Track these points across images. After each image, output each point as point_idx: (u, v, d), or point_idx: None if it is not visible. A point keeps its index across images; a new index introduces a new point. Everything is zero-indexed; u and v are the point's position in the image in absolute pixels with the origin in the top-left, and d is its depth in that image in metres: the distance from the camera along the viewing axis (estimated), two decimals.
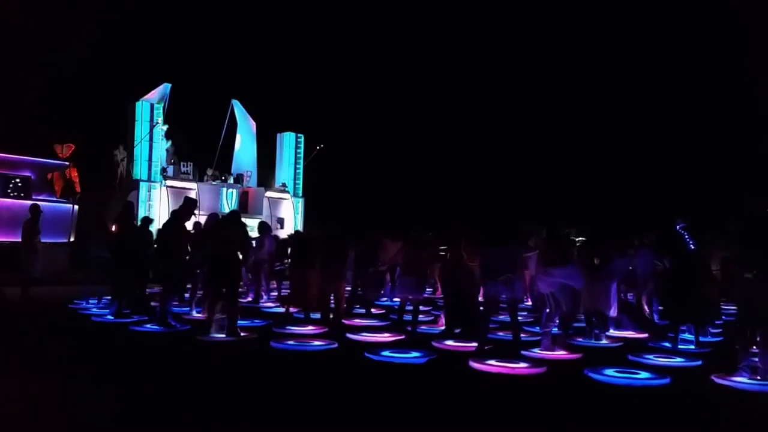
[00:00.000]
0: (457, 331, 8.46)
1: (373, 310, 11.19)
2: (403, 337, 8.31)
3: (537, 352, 7.32)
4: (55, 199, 18.03)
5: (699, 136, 27.08)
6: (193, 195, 20.66)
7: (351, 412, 4.91)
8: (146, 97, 20.08)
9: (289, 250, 11.85)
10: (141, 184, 19.39)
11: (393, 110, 31.74)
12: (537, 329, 8.41)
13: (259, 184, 23.23)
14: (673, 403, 5.46)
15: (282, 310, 10.56)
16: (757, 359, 6.18)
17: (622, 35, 29.02)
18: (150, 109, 19.75)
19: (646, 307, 10.03)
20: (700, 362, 7.01)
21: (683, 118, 28.02)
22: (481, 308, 7.99)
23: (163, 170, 20.18)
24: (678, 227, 8.41)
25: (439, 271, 9.80)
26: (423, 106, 32.25)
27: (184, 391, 5.42)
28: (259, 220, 15.09)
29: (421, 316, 9.49)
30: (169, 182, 20.22)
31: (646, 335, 8.87)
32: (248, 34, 28.71)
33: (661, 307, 10.02)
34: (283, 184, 23.88)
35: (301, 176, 24.41)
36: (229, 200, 21.15)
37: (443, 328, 8.79)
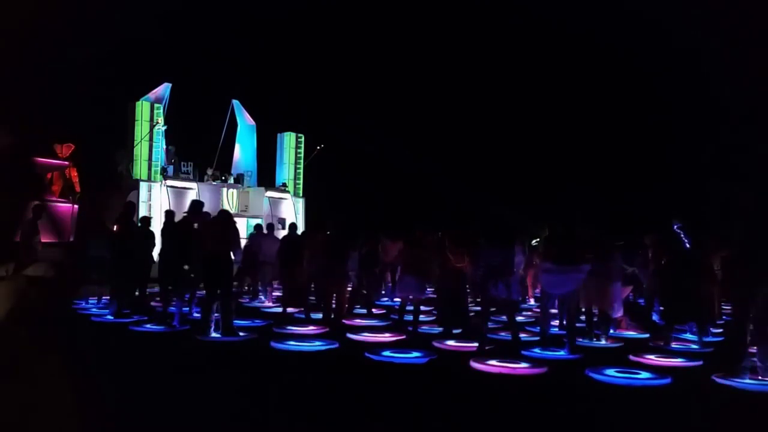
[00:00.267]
0: (457, 331, 8.47)
1: (373, 310, 11.20)
2: (403, 337, 8.31)
3: (538, 352, 7.33)
4: (54, 198, 18.02)
5: (698, 137, 27.08)
6: (193, 195, 20.69)
7: (351, 412, 4.90)
8: (146, 96, 20.08)
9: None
10: (141, 184, 19.39)
11: (393, 110, 31.75)
12: (537, 329, 8.42)
13: (259, 184, 23.23)
14: (674, 403, 5.45)
15: (280, 310, 10.59)
16: (756, 359, 6.18)
17: (621, 35, 29.02)
18: (150, 109, 19.75)
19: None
20: (701, 362, 7.01)
21: (683, 118, 28.01)
22: (479, 309, 7.99)
23: (163, 170, 20.17)
24: (675, 227, 8.47)
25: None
26: (423, 105, 32.25)
27: (184, 391, 5.41)
28: (257, 221, 15.12)
29: (422, 316, 9.50)
30: (169, 182, 20.21)
31: (647, 335, 8.87)
32: (248, 34, 28.69)
33: (662, 307, 10.01)
34: (284, 184, 23.88)
35: (301, 176, 24.42)
36: (229, 200, 21.16)
37: (442, 328, 8.82)
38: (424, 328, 9.11)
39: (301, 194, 24.26)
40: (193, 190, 20.67)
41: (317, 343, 7.69)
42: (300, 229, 18.68)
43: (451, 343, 7.92)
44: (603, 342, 8.20)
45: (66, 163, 18.68)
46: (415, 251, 9.18)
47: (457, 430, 4.55)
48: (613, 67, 29.91)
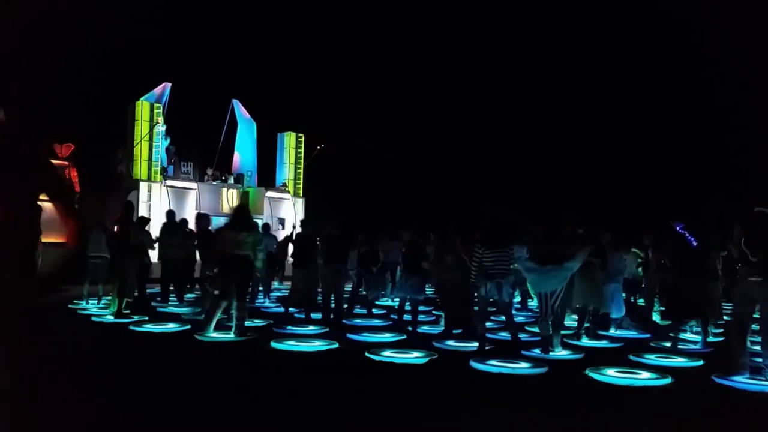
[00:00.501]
0: (457, 331, 8.46)
1: (374, 310, 11.19)
2: (404, 337, 8.30)
3: (538, 352, 7.32)
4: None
5: (698, 136, 27.08)
6: (193, 195, 20.68)
7: (351, 412, 4.89)
8: (146, 96, 20.08)
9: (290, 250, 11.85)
10: (141, 184, 19.38)
11: (393, 110, 31.75)
12: (537, 329, 8.40)
13: (259, 184, 23.23)
14: (674, 403, 5.45)
15: (282, 310, 10.57)
16: (760, 359, 6.18)
17: (621, 35, 29.02)
18: (150, 109, 19.74)
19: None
20: (701, 362, 7.01)
21: (682, 117, 28.01)
22: (476, 309, 7.98)
23: (163, 170, 20.17)
24: (678, 228, 8.44)
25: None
26: (423, 106, 32.25)
27: (183, 391, 5.40)
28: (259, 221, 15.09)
29: (421, 316, 9.48)
30: (169, 182, 20.21)
31: (648, 335, 8.86)
32: (249, 34, 28.69)
33: (663, 308, 10.02)
34: (284, 184, 23.88)
35: (301, 176, 24.42)
36: (229, 200, 21.16)
37: (443, 328, 8.80)
38: (424, 328, 9.11)
39: (301, 194, 24.26)
40: (194, 190, 20.68)
41: (317, 343, 7.69)
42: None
43: (451, 343, 7.92)
44: (603, 342, 8.18)
45: (66, 163, 18.68)
46: (415, 252, 9.19)
47: (456, 430, 4.54)
48: (613, 67, 29.92)
